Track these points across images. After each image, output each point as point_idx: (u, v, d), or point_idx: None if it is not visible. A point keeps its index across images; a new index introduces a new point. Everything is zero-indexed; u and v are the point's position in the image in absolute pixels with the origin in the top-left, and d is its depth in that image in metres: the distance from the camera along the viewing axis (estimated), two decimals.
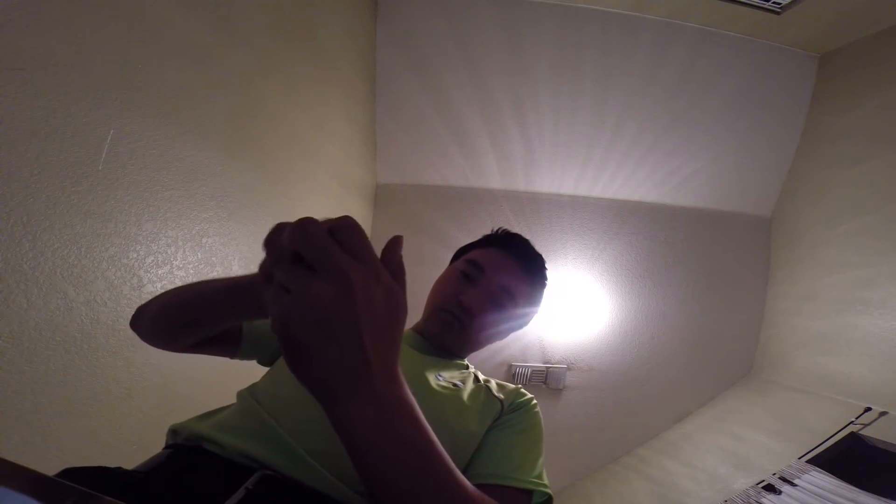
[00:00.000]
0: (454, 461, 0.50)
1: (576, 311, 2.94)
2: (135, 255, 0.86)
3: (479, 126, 2.65)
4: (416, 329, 0.74)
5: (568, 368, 3.00)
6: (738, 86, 2.63)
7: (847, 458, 2.02)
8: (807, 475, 1.96)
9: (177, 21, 0.94)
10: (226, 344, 0.64)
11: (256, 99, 1.29)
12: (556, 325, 2.95)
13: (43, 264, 0.68)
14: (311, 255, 0.29)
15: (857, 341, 2.26)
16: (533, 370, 2.95)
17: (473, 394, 0.63)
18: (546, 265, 0.78)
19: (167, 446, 0.50)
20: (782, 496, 1.95)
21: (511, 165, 2.79)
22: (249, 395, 0.54)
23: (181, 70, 0.97)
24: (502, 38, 2.44)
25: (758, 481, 2.10)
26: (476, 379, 0.68)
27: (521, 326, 0.78)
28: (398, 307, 0.32)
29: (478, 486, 0.49)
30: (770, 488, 2.03)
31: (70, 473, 0.38)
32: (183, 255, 1.00)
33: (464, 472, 0.51)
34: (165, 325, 0.56)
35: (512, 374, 2.95)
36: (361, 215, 2.50)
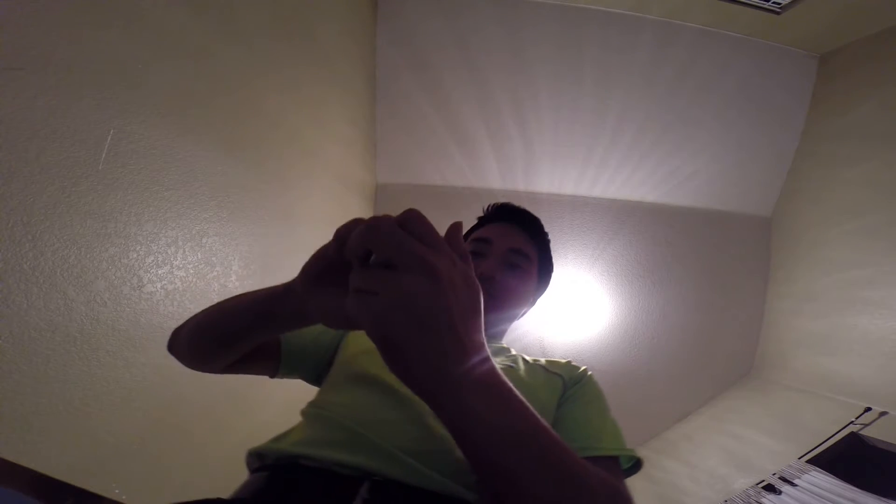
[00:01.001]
0: None
1: (576, 312, 2.94)
2: (135, 255, 0.86)
3: (480, 126, 2.65)
4: None
5: None
6: (738, 86, 2.64)
7: (847, 458, 2.02)
8: (807, 475, 1.96)
9: (177, 21, 0.94)
10: (264, 361, 0.63)
11: (256, 99, 1.29)
12: (556, 326, 2.95)
13: (43, 264, 0.68)
14: (390, 252, 0.28)
15: (857, 341, 2.26)
16: None
17: (530, 372, 0.64)
18: (541, 223, 0.81)
19: (258, 469, 0.47)
20: (782, 496, 1.95)
21: (511, 165, 2.79)
22: (321, 409, 0.53)
23: (181, 70, 0.97)
24: (502, 38, 2.44)
25: (758, 481, 2.10)
26: (524, 360, 0.69)
27: (545, 287, 0.83)
28: (476, 289, 0.32)
29: None
30: (770, 488, 2.03)
31: None
32: (183, 255, 1.00)
33: None
34: (201, 343, 0.55)
35: None
36: (361, 215, 2.49)
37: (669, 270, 2.99)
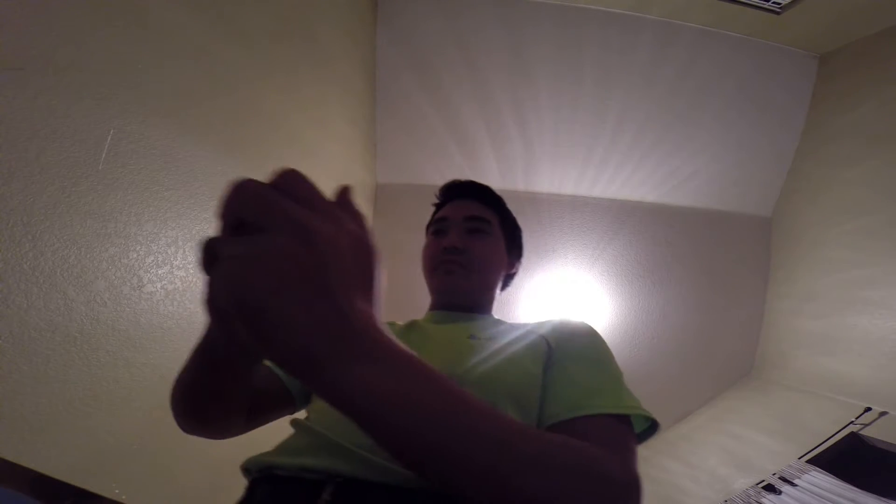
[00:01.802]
0: (522, 419, 0.47)
1: (576, 312, 2.94)
2: (135, 255, 0.86)
3: (479, 126, 2.65)
4: (432, 307, 0.76)
5: None
6: (738, 86, 2.64)
7: (847, 458, 2.02)
8: (807, 475, 1.96)
9: (177, 21, 0.94)
10: (277, 400, 0.60)
11: (257, 99, 1.29)
12: None
13: (43, 264, 0.68)
14: (259, 215, 0.24)
15: (857, 341, 2.26)
16: None
17: (514, 339, 0.60)
18: (491, 189, 0.82)
19: (249, 482, 0.48)
20: (782, 496, 1.95)
21: (511, 165, 2.79)
22: (302, 416, 0.54)
23: (182, 70, 0.97)
24: (503, 38, 2.44)
25: (758, 481, 2.10)
26: (513, 326, 0.66)
27: (517, 248, 0.83)
28: (370, 255, 0.28)
29: (552, 428, 0.46)
30: (770, 488, 2.03)
31: None
32: (183, 255, 1.00)
33: (537, 425, 0.48)
34: (193, 410, 0.48)
35: None
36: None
37: (669, 270, 2.99)
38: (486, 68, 2.51)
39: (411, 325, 0.71)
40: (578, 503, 0.31)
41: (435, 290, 0.75)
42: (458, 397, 0.29)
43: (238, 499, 0.46)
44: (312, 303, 0.24)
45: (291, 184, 0.27)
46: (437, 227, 0.77)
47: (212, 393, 0.44)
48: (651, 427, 0.49)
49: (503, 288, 0.82)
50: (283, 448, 0.50)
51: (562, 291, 2.92)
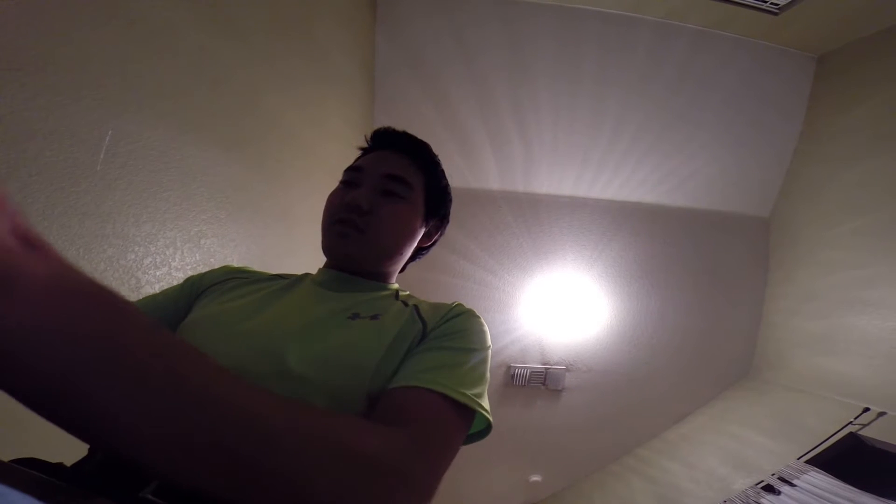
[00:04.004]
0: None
1: (575, 313, 2.94)
2: (133, 257, 0.86)
3: (478, 126, 2.66)
4: (326, 264, 0.66)
5: (567, 370, 3.00)
6: (737, 86, 2.64)
7: (846, 458, 2.02)
8: (806, 475, 1.96)
9: (175, 21, 0.94)
10: None
11: (255, 98, 1.29)
12: (555, 327, 2.96)
13: None
14: None
15: (856, 341, 2.26)
16: (532, 371, 2.95)
17: (395, 320, 0.53)
18: (428, 145, 0.70)
19: None
20: (781, 496, 1.95)
21: (510, 166, 2.79)
22: None
23: (180, 70, 0.97)
24: (501, 38, 2.45)
25: (757, 482, 2.10)
26: (405, 303, 0.59)
27: (439, 220, 0.72)
28: None
29: (378, 400, 0.42)
30: (769, 489, 2.03)
31: (23, 462, 0.36)
32: (181, 256, 1.00)
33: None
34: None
35: (511, 375, 2.95)
36: None
37: (668, 271, 2.99)
38: (485, 68, 2.51)
39: (301, 279, 0.65)
40: (324, 484, 0.28)
41: (325, 249, 0.64)
42: (129, 322, 0.25)
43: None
44: None
45: None
46: (349, 177, 0.64)
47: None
48: (486, 429, 0.47)
49: (413, 259, 0.72)
50: None
51: (561, 292, 2.92)
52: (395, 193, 0.61)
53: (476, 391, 0.44)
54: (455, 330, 0.51)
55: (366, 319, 0.53)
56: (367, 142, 0.72)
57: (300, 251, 1.57)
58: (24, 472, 0.25)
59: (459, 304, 0.58)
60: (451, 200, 0.74)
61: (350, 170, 0.65)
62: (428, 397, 0.40)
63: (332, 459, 0.29)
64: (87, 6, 0.73)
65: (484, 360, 0.50)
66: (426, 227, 0.69)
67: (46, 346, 0.22)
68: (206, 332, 0.50)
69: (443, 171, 0.71)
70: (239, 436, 0.27)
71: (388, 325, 0.51)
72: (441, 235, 0.74)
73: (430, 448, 0.36)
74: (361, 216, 0.59)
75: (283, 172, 1.49)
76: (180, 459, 0.25)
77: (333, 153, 1.97)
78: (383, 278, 0.65)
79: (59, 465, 0.38)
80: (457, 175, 2.78)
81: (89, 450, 0.45)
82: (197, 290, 0.63)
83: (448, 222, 0.75)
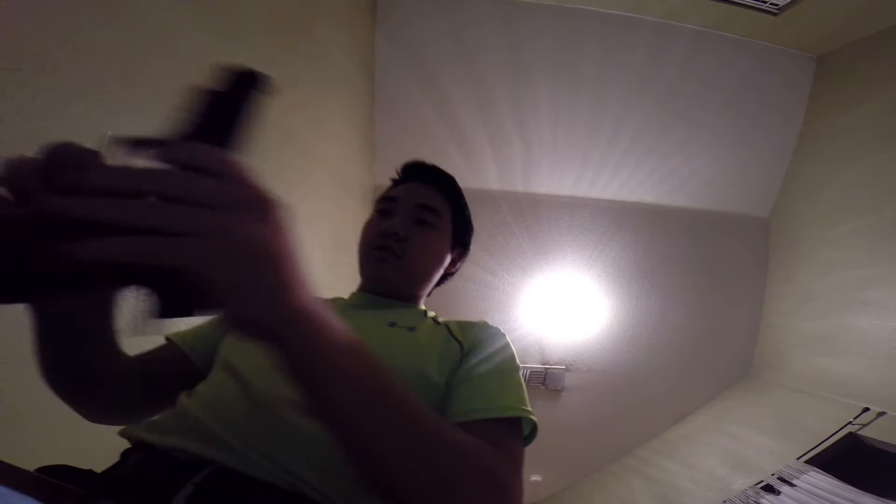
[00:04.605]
0: None
1: (574, 313, 2.94)
2: None
3: (478, 126, 2.66)
4: (360, 288, 0.71)
5: (566, 370, 3.01)
6: (736, 87, 2.65)
7: (845, 458, 2.03)
8: (805, 475, 1.96)
9: (175, 21, 0.94)
10: (183, 379, 0.57)
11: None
12: (554, 327, 2.96)
13: None
14: (205, 195, 0.25)
15: (856, 342, 2.26)
16: (531, 371, 2.96)
17: (430, 335, 0.59)
18: (454, 179, 0.78)
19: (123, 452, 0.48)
20: (781, 496, 1.95)
21: (509, 166, 2.79)
22: (187, 395, 0.52)
23: (180, 70, 0.97)
24: (501, 39, 2.45)
25: (757, 482, 2.10)
26: (435, 321, 0.64)
27: (464, 249, 0.80)
28: (286, 233, 0.31)
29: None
30: (769, 489, 2.03)
31: (46, 470, 0.37)
32: None
33: None
34: (75, 390, 0.49)
35: None
36: (360, 216, 2.49)
37: (668, 271, 2.99)
38: (485, 69, 2.51)
39: (332, 303, 0.69)
40: (464, 493, 0.35)
41: (364, 274, 0.70)
42: (399, 385, 0.34)
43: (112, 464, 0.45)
44: (268, 280, 0.27)
45: (220, 165, 0.27)
46: (384, 206, 0.70)
47: (80, 366, 0.46)
48: (533, 431, 0.52)
49: (438, 284, 0.78)
50: (155, 425, 0.48)
51: (560, 292, 2.92)
52: (428, 222, 0.68)
53: (528, 405, 0.51)
54: (493, 350, 0.59)
55: (403, 329, 0.58)
56: (397, 174, 0.78)
57: (300, 251, 1.56)
58: (25, 472, 0.25)
59: (486, 322, 0.65)
60: (472, 230, 0.82)
61: (384, 199, 0.71)
62: (507, 425, 0.48)
63: (481, 481, 0.37)
64: (87, 6, 0.73)
65: (517, 371, 0.58)
66: (452, 254, 0.76)
67: (339, 377, 0.31)
68: (230, 385, 0.54)
69: (466, 203, 0.79)
70: (452, 471, 0.35)
71: (423, 337, 0.58)
72: (462, 263, 0.82)
73: (519, 466, 0.46)
74: (398, 242, 0.65)
75: (283, 173, 1.49)
76: (408, 484, 0.33)
77: (333, 153, 1.97)
78: (414, 301, 0.71)
79: (90, 472, 0.39)
80: (457, 175, 2.76)
81: (121, 455, 0.46)
82: None
83: (469, 251, 0.83)
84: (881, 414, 2.05)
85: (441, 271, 0.74)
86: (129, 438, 0.47)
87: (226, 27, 1.12)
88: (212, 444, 0.42)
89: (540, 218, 2.88)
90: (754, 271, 3.03)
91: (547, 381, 2.97)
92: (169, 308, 0.26)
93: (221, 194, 0.26)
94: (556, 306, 2.92)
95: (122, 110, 0.81)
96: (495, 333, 0.63)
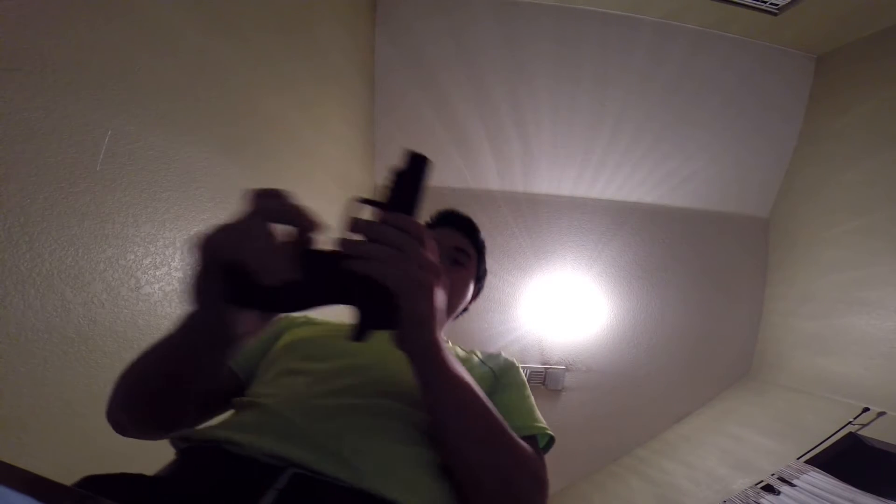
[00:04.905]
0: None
1: (574, 313, 2.94)
2: (133, 257, 0.86)
3: (478, 127, 2.66)
4: None
5: (566, 370, 3.01)
6: (736, 87, 2.65)
7: (845, 458, 2.03)
8: (805, 475, 1.96)
9: (175, 21, 0.94)
10: (227, 391, 0.61)
11: (255, 99, 1.29)
12: (554, 327, 2.96)
13: (40, 265, 0.67)
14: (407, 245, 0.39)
15: (855, 342, 2.26)
16: (531, 371, 2.95)
17: (469, 363, 0.69)
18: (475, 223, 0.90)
19: (180, 451, 0.47)
20: (781, 496, 1.95)
21: (509, 165, 2.79)
22: (255, 399, 0.52)
23: (180, 70, 0.97)
24: (501, 39, 2.45)
25: (756, 482, 2.10)
26: (464, 350, 0.75)
27: (480, 289, 0.91)
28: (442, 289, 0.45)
29: None
30: (769, 489, 2.03)
31: (90, 481, 0.36)
32: (181, 256, 1.00)
33: None
34: (143, 406, 0.52)
35: None
36: (359, 216, 2.49)
37: (668, 271, 2.99)
38: (485, 68, 2.51)
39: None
40: (523, 485, 0.48)
41: None
42: (488, 403, 0.48)
43: (170, 464, 0.44)
44: (430, 317, 0.41)
45: (408, 227, 0.41)
46: None
47: (179, 381, 0.48)
48: (550, 441, 0.62)
49: (456, 317, 0.86)
50: (238, 425, 0.48)
51: (560, 292, 2.92)
52: (460, 263, 0.79)
53: (544, 423, 0.63)
54: (520, 379, 0.70)
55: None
56: (430, 219, 0.88)
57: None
58: (25, 473, 0.25)
59: (504, 356, 0.76)
60: (486, 275, 0.95)
61: None
62: (532, 441, 0.59)
63: (533, 478, 0.50)
64: (87, 6, 0.73)
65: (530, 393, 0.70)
66: (475, 287, 0.87)
67: (457, 398, 0.47)
68: (305, 350, 0.63)
69: (483, 241, 0.90)
70: (520, 478, 0.48)
71: (469, 366, 0.67)
72: (475, 302, 0.91)
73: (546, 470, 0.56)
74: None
75: (283, 173, 1.49)
76: (486, 472, 0.46)
77: (333, 154, 1.97)
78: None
79: (141, 476, 0.39)
80: (456, 175, 2.78)
81: (181, 454, 0.46)
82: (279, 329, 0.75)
83: (483, 284, 0.95)
84: (881, 414, 2.05)
85: (467, 302, 0.85)
86: (193, 437, 0.47)
87: (226, 27, 1.12)
88: (301, 443, 0.42)
89: (540, 218, 2.88)
90: (754, 271, 3.03)
91: (547, 381, 2.97)
92: (371, 323, 0.39)
93: (419, 251, 0.40)
94: (556, 306, 2.92)
95: (122, 110, 0.81)
96: (513, 362, 0.74)
